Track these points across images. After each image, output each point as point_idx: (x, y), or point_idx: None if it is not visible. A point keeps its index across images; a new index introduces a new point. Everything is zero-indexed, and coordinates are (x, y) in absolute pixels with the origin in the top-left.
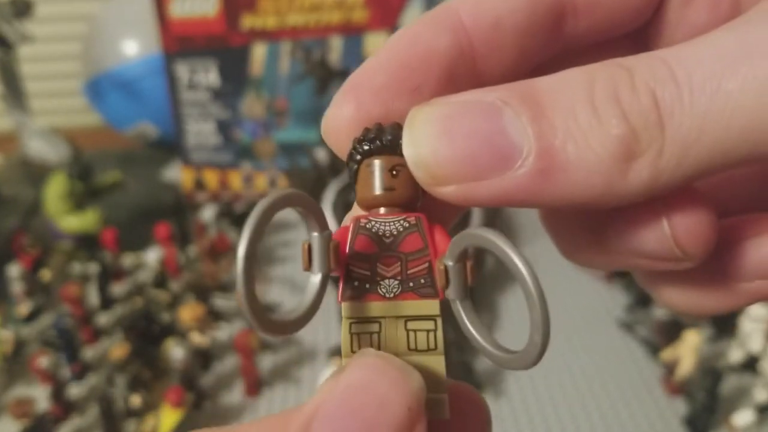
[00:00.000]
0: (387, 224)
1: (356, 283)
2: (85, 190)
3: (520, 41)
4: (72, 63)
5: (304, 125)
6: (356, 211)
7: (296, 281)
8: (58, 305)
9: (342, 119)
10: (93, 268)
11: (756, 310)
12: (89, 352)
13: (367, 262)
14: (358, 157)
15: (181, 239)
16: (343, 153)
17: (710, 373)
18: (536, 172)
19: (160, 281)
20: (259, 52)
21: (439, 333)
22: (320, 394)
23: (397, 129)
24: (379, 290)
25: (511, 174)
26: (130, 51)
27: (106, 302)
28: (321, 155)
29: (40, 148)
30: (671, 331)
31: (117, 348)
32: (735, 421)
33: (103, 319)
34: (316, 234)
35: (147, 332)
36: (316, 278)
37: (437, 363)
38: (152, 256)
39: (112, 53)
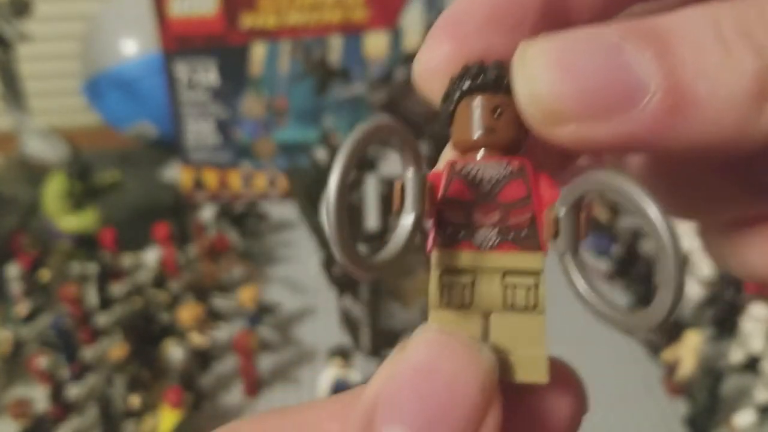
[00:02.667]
0: (486, 169)
1: (449, 231)
2: (84, 190)
3: None
4: (71, 62)
5: (304, 125)
6: (448, 155)
7: (296, 281)
8: (57, 305)
9: (439, 59)
10: (92, 268)
11: (757, 310)
12: (88, 353)
13: (462, 209)
14: (457, 94)
15: (180, 239)
16: (435, 97)
17: (711, 373)
18: (665, 109)
19: (159, 281)
20: (258, 52)
21: (542, 289)
22: (380, 379)
23: (501, 66)
24: (474, 240)
25: (636, 112)
26: (129, 50)
27: (105, 302)
28: (320, 155)
29: (39, 147)
30: (672, 331)
31: (116, 348)
32: (736, 422)
33: (102, 319)
34: (411, 171)
35: (146, 332)
36: (408, 219)
37: (537, 323)
38: (151, 256)
39: (111, 52)
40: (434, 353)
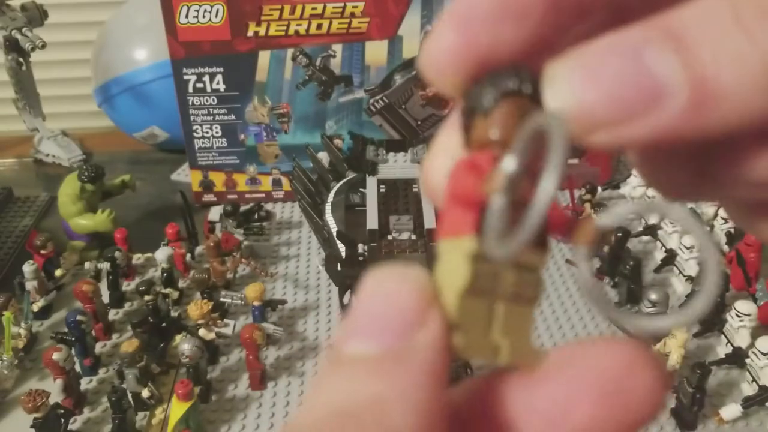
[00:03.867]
0: None
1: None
2: (97, 192)
3: None
4: (83, 68)
5: (307, 130)
6: (447, 142)
7: (299, 278)
8: (71, 302)
9: (445, 50)
10: (105, 266)
11: (743, 306)
12: (101, 347)
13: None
14: (497, 94)
15: (189, 239)
16: (445, 87)
17: (698, 367)
18: (691, 105)
19: (169, 279)
20: (263, 59)
21: (542, 285)
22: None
23: (533, 74)
24: None
25: (663, 111)
26: (139, 57)
27: (118, 299)
28: (322, 157)
29: (53, 150)
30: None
31: (128, 343)
32: (723, 415)
33: (115, 315)
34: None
35: (156, 328)
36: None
37: (531, 315)
38: (162, 255)
39: (122, 59)
40: (375, 278)
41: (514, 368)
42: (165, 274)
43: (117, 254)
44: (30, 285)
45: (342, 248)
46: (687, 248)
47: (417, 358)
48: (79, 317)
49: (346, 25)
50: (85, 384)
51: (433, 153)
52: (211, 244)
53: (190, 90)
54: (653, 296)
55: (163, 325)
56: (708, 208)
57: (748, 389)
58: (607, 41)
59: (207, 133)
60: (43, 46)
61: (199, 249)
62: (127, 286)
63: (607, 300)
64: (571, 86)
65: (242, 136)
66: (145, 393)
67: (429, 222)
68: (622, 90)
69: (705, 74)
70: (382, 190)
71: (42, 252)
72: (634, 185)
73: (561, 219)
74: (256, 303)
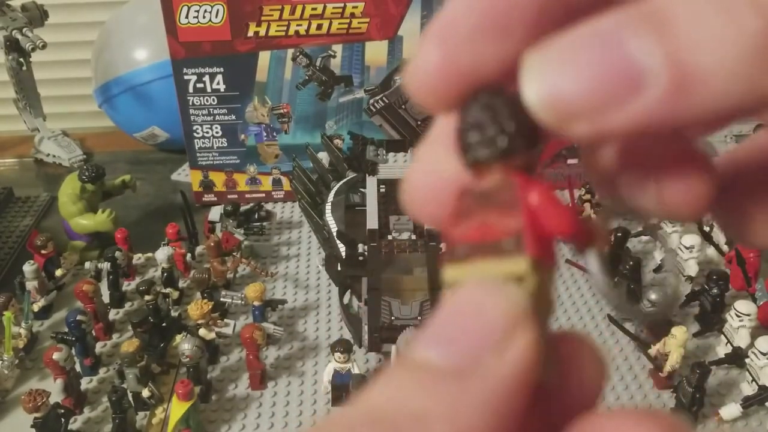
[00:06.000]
0: None
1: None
2: (97, 192)
3: None
4: (84, 69)
5: (307, 130)
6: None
7: (299, 278)
8: (72, 302)
9: (428, 70)
10: (105, 266)
11: (742, 306)
12: (101, 347)
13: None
14: (473, 162)
15: (189, 239)
16: (429, 106)
17: (697, 367)
18: (671, 91)
19: (170, 279)
20: (263, 59)
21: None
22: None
23: (507, 116)
24: None
25: (643, 98)
26: (139, 57)
27: (118, 299)
28: (322, 157)
29: (54, 150)
30: (660, 326)
31: (128, 343)
32: (722, 414)
33: (115, 315)
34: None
35: (157, 328)
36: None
37: None
38: (162, 255)
39: (123, 59)
40: (466, 292)
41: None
42: (165, 274)
43: (117, 254)
44: (30, 285)
45: (342, 248)
46: (687, 248)
47: (484, 384)
48: (79, 317)
49: (346, 26)
50: (86, 384)
51: (416, 169)
52: (212, 244)
53: (191, 90)
54: (653, 296)
55: (164, 324)
56: None
57: (748, 389)
58: (582, 29)
59: (207, 133)
60: (44, 47)
61: (199, 249)
62: (128, 286)
63: (625, 300)
64: (547, 76)
65: (242, 136)
66: (145, 393)
67: None
68: (599, 77)
69: (685, 58)
70: (382, 190)
71: (42, 252)
72: None
73: (575, 223)
74: (256, 303)
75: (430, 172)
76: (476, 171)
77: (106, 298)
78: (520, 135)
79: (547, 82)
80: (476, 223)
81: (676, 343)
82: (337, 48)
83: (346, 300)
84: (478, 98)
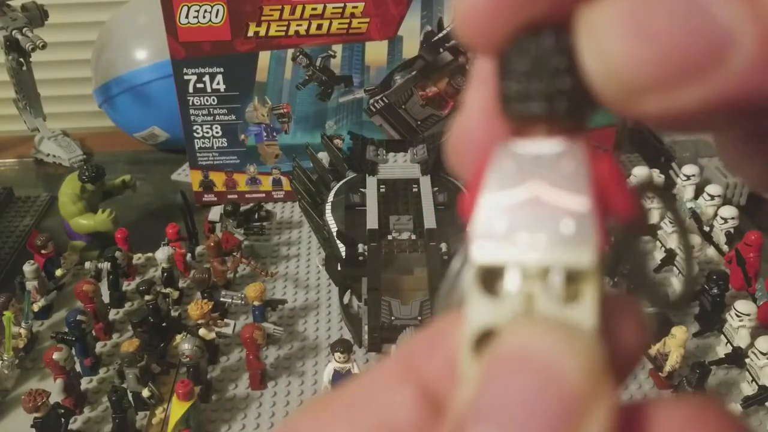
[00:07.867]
0: None
1: None
2: (97, 192)
3: None
4: (84, 69)
5: (307, 130)
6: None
7: (299, 278)
8: (72, 302)
9: (477, 3)
10: (105, 266)
11: (742, 306)
12: (101, 347)
13: None
14: (520, 117)
15: (189, 239)
16: (481, 46)
17: (697, 367)
18: (759, 60)
19: (170, 279)
20: (263, 59)
21: None
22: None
23: (566, 67)
24: None
25: (727, 68)
26: (140, 57)
27: (118, 299)
28: (322, 157)
29: (54, 150)
30: (660, 326)
31: (128, 343)
32: None
33: (115, 315)
34: None
35: (157, 328)
36: None
37: None
38: (162, 255)
39: (123, 59)
40: (525, 337)
41: None
42: (165, 274)
43: (117, 254)
44: (30, 285)
45: (342, 248)
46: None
47: None
48: (79, 317)
49: (346, 26)
50: (86, 384)
51: (465, 112)
52: (212, 243)
53: (191, 90)
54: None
55: (164, 324)
56: (708, 208)
57: (748, 389)
58: None
59: (207, 133)
60: (44, 47)
61: (199, 249)
62: (128, 285)
63: (666, 294)
64: (615, 38)
65: (242, 136)
66: (145, 393)
67: (429, 222)
68: (678, 42)
69: None
70: (382, 190)
71: (42, 252)
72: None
73: (636, 206)
74: (256, 303)
75: (478, 116)
76: (518, 126)
77: (106, 298)
78: (580, 93)
79: (615, 46)
80: (522, 192)
81: (676, 343)
82: (337, 48)
83: (346, 300)
84: (531, 39)
